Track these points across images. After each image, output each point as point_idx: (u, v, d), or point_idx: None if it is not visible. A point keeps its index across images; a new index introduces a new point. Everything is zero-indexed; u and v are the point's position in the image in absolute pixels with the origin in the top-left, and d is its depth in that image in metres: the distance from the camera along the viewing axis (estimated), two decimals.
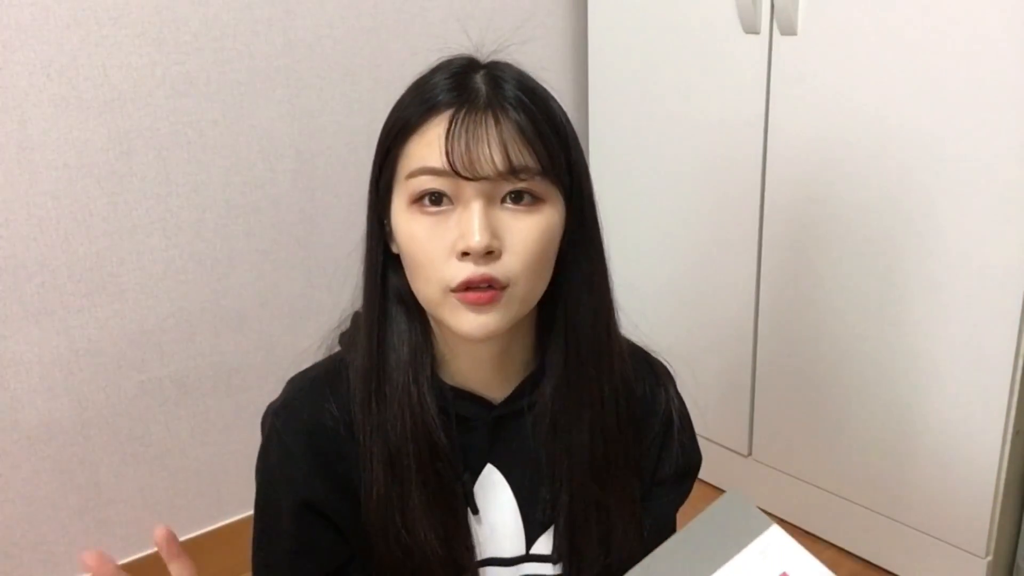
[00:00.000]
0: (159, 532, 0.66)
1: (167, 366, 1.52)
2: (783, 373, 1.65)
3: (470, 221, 0.69)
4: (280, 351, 1.62)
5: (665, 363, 0.89)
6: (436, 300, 0.72)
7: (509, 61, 0.77)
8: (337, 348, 0.86)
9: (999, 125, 1.26)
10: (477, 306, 0.70)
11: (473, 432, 0.81)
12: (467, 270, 0.69)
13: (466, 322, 0.71)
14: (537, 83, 0.75)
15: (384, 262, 0.79)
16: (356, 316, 0.85)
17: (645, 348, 0.89)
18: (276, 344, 1.62)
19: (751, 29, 1.53)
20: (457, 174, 0.69)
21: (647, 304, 1.81)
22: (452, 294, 0.70)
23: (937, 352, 1.42)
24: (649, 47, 1.73)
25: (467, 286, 0.69)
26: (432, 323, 0.79)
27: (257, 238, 1.56)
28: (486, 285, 0.69)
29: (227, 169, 1.50)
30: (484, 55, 0.77)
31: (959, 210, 1.34)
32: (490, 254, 0.69)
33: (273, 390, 0.84)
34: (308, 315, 1.64)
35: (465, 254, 0.69)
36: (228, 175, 1.51)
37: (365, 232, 0.79)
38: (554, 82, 0.78)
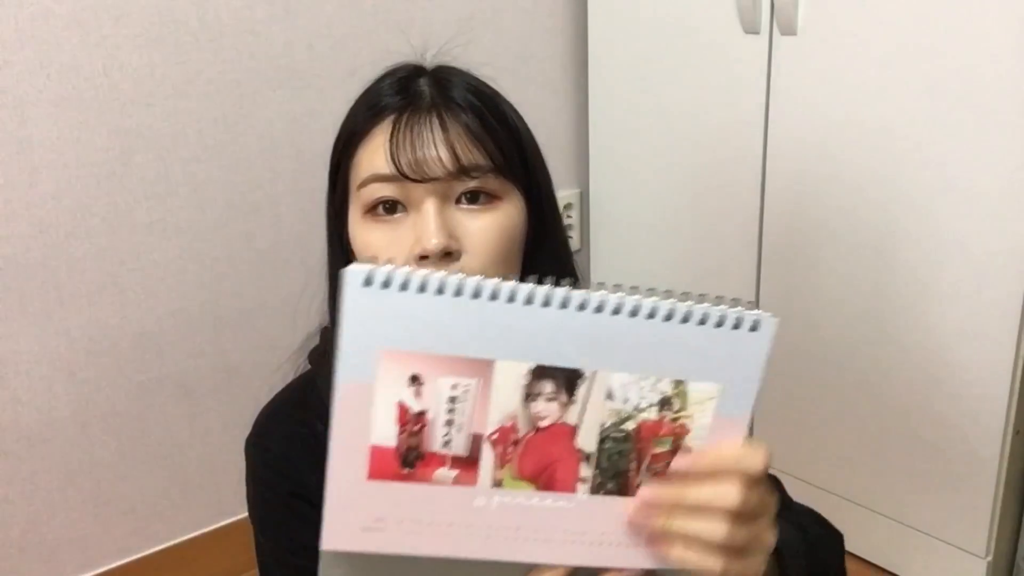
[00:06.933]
0: None
1: (167, 366, 1.51)
2: (781, 372, 1.65)
3: (425, 223, 0.67)
4: (280, 351, 1.60)
5: None
6: None
7: (453, 63, 0.76)
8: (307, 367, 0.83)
9: (998, 124, 1.26)
10: None
11: None
12: None
13: None
14: (485, 84, 0.75)
15: None
16: (325, 331, 0.83)
17: None
18: (276, 344, 1.61)
19: (751, 29, 1.52)
20: (405, 176, 0.67)
21: None
22: None
23: (937, 351, 1.42)
24: (649, 47, 1.72)
25: None
26: None
27: (257, 238, 1.56)
28: None
29: (227, 169, 1.50)
30: (429, 60, 0.76)
31: (959, 209, 1.33)
32: (448, 255, 0.67)
33: (273, 390, 0.84)
34: (308, 315, 1.63)
35: (423, 258, 0.67)
36: (228, 175, 1.51)
37: (327, 250, 0.77)
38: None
